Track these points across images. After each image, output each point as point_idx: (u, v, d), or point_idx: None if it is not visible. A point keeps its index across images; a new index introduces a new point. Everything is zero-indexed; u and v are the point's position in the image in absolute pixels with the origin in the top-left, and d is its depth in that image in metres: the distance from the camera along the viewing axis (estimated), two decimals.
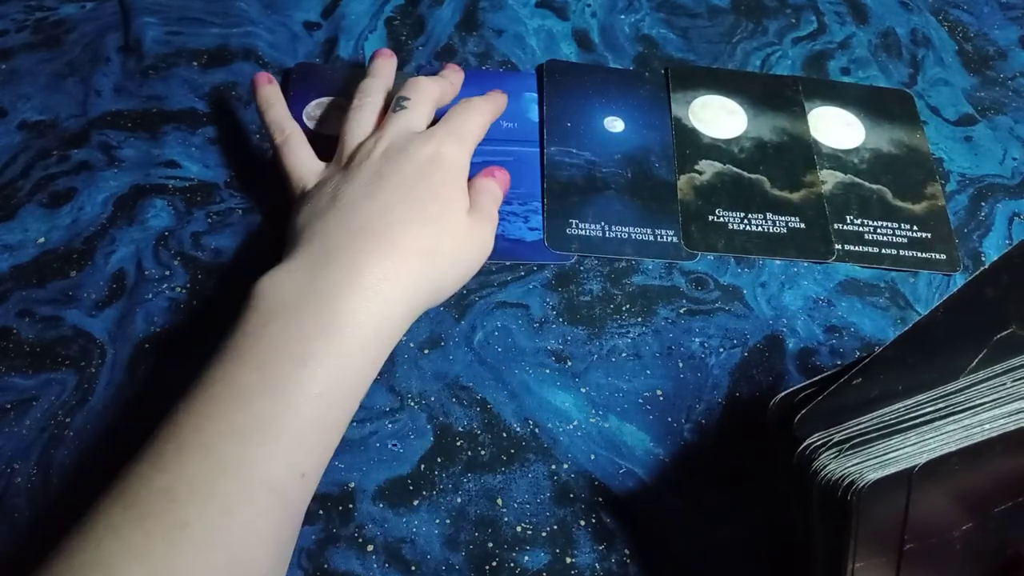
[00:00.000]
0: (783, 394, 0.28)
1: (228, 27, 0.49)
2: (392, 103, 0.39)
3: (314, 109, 0.45)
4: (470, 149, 0.38)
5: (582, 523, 0.34)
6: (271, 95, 0.41)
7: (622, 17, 0.53)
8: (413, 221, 0.34)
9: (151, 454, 0.28)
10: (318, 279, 0.31)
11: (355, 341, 0.31)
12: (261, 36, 0.48)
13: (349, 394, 0.31)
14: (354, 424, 0.36)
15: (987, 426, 0.26)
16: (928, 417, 0.26)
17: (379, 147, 0.36)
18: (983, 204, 0.47)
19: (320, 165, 0.38)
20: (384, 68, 0.42)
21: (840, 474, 0.25)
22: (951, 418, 0.26)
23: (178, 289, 0.39)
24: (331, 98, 0.46)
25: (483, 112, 0.40)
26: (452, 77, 0.43)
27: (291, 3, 0.50)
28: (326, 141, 0.44)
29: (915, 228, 0.45)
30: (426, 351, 0.38)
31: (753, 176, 0.46)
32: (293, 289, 0.31)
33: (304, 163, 0.38)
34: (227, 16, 0.49)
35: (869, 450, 0.26)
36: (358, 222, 0.33)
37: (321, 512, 0.33)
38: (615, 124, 0.47)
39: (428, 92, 0.40)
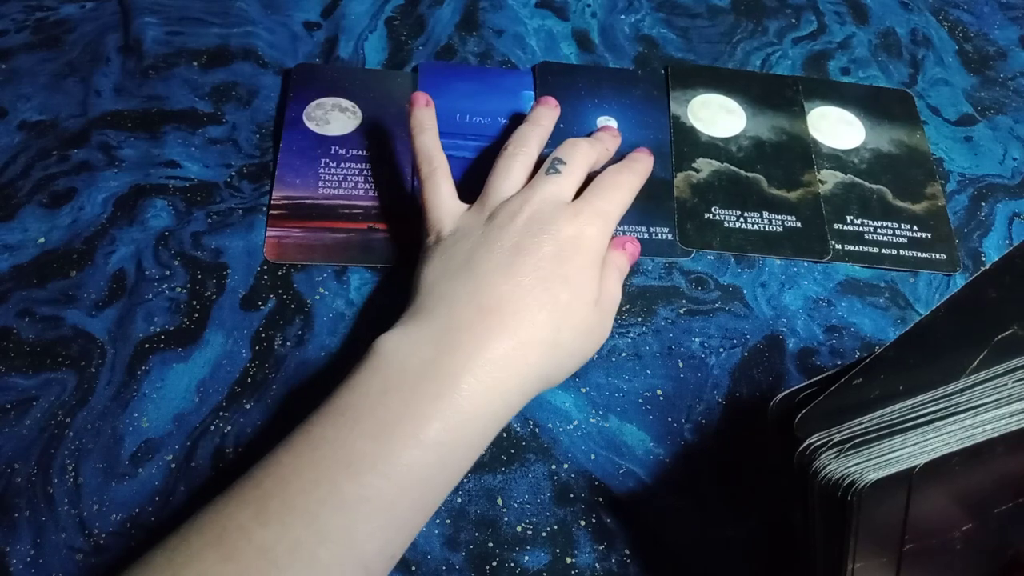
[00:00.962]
0: (783, 394, 0.28)
1: (228, 27, 0.49)
2: (547, 163, 0.38)
3: (314, 109, 0.45)
4: (611, 231, 0.37)
5: (582, 523, 0.34)
6: (425, 119, 0.40)
7: (622, 17, 0.53)
8: (542, 309, 0.32)
9: (253, 504, 0.27)
10: (443, 356, 0.30)
11: (468, 430, 0.30)
12: (261, 36, 0.48)
13: (448, 480, 0.30)
14: None
15: (988, 427, 0.26)
16: (929, 417, 0.26)
17: (524, 212, 0.35)
18: (983, 204, 0.47)
19: (460, 208, 0.37)
20: (545, 118, 0.41)
21: (841, 474, 0.25)
22: (952, 418, 0.26)
23: (178, 289, 0.39)
24: (331, 98, 0.46)
25: (632, 188, 0.39)
26: (609, 142, 0.42)
27: (291, 3, 0.50)
28: (326, 142, 0.44)
29: (915, 228, 0.45)
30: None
31: (751, 175, 0.46)
32: (417, 361, 0.30)
33: (445, 203, 0.37)
34: (227, 16, 0.49)
35: (870, 450, 0.26)
36: (488, 301, 0.32)
37: None
38: (608, 124, 0.47)
39: (585, 159, 0.39)
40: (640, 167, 0.40)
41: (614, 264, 0.37)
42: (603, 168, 0.40)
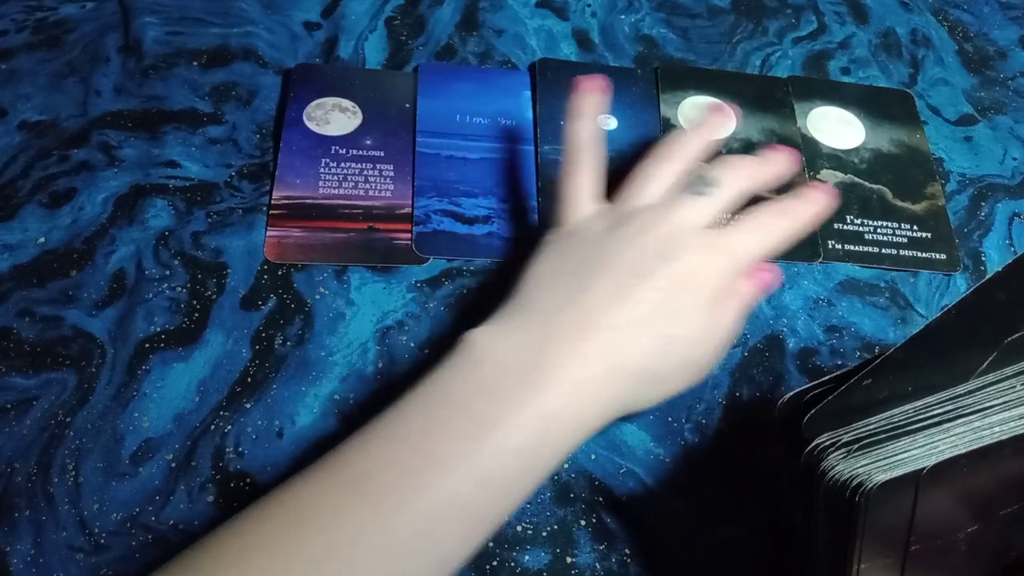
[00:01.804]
0: (791, 394, 0.28)
1: (228, 27, 0.49)
2: (693, 179, 0.34)
3: (314, 109, 0.45)
4: (739, 272, 0.33)
5: (582, 523, 0.34)
6: (587, 105, 0.37)
7: (622, 17, 0.53)
8: (646, 338, 0.30)
9: (347, 484, 0.27)
10: (537, 367, 0.29)
11: (551, 443, 0.29)
12: (261, 36, 0.48)
13: (524, 490, 0.29)
14: (355, 424, 0.36)
15: (996, 429, 0.26)
16: (937, 419, 0.26)
17: (652, 231, 0.32)
18: (983, 204, 0.47)
19: (593, 208, 0.35)
20: (713, 125, 0.38)
21: (848, 475, 0.25)
22: (960, 420, 0.26)
23: (178, 289, 0.39)
24: (331, 98, 0.46)
25: (784, 236, 0.34)
26: (779, 166, 0.36)
27: (291, 3, 0.50)
28: (326, 142, 0.44)
29: (915, 228, 0.45)
30: (426, 351, 0.38)
31: None
32: (511, 367, 0.29)
33: (581, 197, 0.35)
34: (227, 16, 0.49)
35: (878, 451, 0.26)
36: (591, 320, 0.30)
37: None
38: (608, 122, 0.47)
39: (738, 186, 0.34)
40: (806, 212, 0.35)
41: (739, 293, 0.33)
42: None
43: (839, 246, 0.43)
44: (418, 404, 0.29)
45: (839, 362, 0.39)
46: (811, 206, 0.35)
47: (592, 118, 0.37)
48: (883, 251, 0.44)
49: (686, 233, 0.32)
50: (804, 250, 0.43)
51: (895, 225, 0.45)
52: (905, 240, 0.44)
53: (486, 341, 0.30)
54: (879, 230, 0.44)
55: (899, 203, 0.46)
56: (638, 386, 0.31)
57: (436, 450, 0.27)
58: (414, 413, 0.29)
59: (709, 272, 0.32)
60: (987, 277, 0.25)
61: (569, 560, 0.33)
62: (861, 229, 0.44)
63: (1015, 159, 0.49)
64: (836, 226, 0.44)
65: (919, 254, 0.44)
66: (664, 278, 0.31)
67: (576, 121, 0.37)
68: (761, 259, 0.33)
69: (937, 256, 0.44)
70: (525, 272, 0.33)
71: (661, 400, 0.32)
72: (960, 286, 0.43)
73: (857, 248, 0.44)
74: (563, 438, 0.29)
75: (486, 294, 0.40)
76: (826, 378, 0.28)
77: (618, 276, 0.31)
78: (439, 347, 0.38)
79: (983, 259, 0.44)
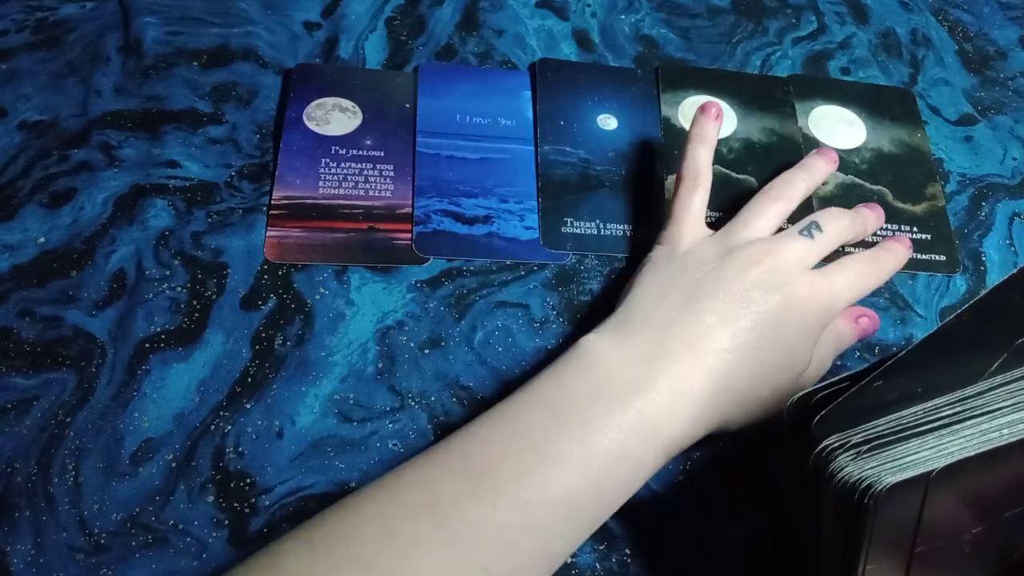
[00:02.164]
0: (800, 394, 0.28)
1: (228, 27, 0.49)
2: (804, 222, 0.37)
3: (314, 109, 0.45)
4: (837, 314, 0.36)
5: None
6: (710, 132, 0.40)
7: (622, 17, 0.53)
8: (750, 363, 0.32)
9: (463, 477, 0.28)
10: (648, 380, 0.31)
11: (651, 453, 0.30)
12: (261, 36, 0.48)
13: (624, 494, 0.31)
14: (355, 424, 0.36)
15: (1005, 431, 0.26)
16: (947, 421, 0.26)
17: (764, 263, 0.34)
18: (983, 204, 0.47)
19: (702, 232, 0.37)
20: (819, 170, 0.41)
21: (857, 477, 0.25)
22: (969, 422, 0.26)
23: (178, 289, 0.39)
24: (331, 98, 0.46)
25: (873, 284, 0.37)
26: (871, 223, 0.40)
27: (291, 3, 0.50)
28: (327, 142, 0.44)
29: (915, 229, 0.45)
30: (426, 351, 0.38)
31: (741, 177, 0.46)
32: (624, 376, 0.31)
33: (693, 221, 0.37)
34: (227, 16, 0.49)
35: (887, 453, 0.26)
36: (701, 340, 0.32)
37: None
38: (608, 122, 0.47)
39: (842, 234, 0.38)
40: (891, 264, 0.38)
41: (836, 333, 0.37)
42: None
43: (839, 248, 0.43)
44: (535, 402, 0.31)
45: (839, 362, 0.39)
46: (896, 257, 0.38)
47: (713, 144, 0.40)
48: None
49: (793, 270, 0.35)
50: None
51: (895, 227, 0.45)
52: None
53: (601, 349, 0.32)
54: (880, 232, 0.44)
55: (899, 204, 0.46)
56: (733, 408, 0.32)
57: (552, 450, 0.29)
58: (530, 410, 0.30)
59: (813, 306, 0.34)
60: (1005, 278, 0.25)
61: (569, 560, 0.33)
62: None
63: (1015, 159, 0.49)
64: None
65: (919, 256, 0.44)
66: (772, 307, 0.33)
67: (698, 146, 0.39)
68: (851, 303, 0.36)
69: (937, 258, 0.44)
70: (638, 284, 0.35)
71: (749, 423, 0.34)
72: (960, 287, 0.43)
73: (858, 250, 0.43)
74: (661, 448, 0.31)
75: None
76: (836, 379, 0.28)
77: (727, 301, 0.33)
78: (440, 346, 0.38)
79: (983, 259, 0.44)
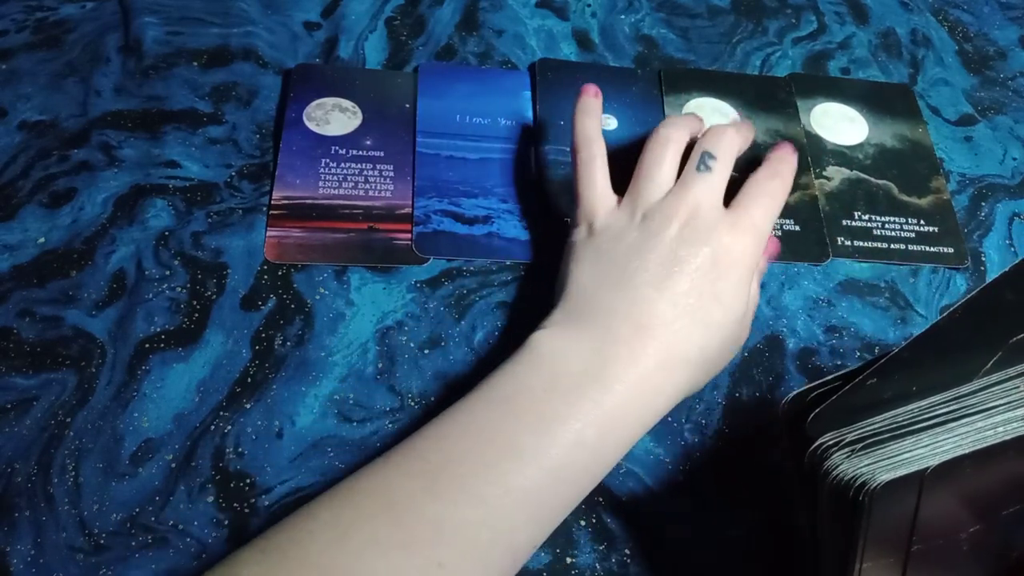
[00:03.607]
0: (795, 392, 0.28)
1: (228, 27, 0.49)
2: (696, 156, 0.36)
3: (314, 109, 0.45)
4: (764, 243, 0.35)
5: (582, 523, 0.34)
6: (592, 105, 0.39)
7: (622, 17, 0.53)
8: (695, 327, 0.32)
9: (421, 477, 0.28)
10: (601, 366, 0.31)
11: (619, 435, 0.31)
12: (261, 36, 0.48)
13: (592, 480, 0.31)
14: (354, 424, 0.36)
15: (1000, 429, 0.26)
16: (941, 419, 0.26)
17: (679, 217, 0.34)
18: (983, 204, 0.47)
19: (612, 200, 0.36)
20: (706, 125, 0.39)
21: (852, 475, 0.25)
22: (964, 420, 0.26)
23: (178, 289, 0.39)
24: (331, 98, 0.46)
25: (783, 197, 0.37)
26: (747, 132, 0.40)
27: (291, 3, 0.50)
28: (326, 142, 0.44)
29: (922, 222, 0.45)
30: (426, 351, 0.38)
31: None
32: (577, 367, 0.31)
33: (598, 194, 0.37)
34: (227, 16, 0.49)
35: (882, 451, 0.26)
36: (644, 318, 0.32)
37: None
38: (608, 122, 0.47)
39: (733, 151, 0.37)
40: (788, 172, 0.37)
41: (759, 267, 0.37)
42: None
43: (848, 242, 0.43)
44: (490, 399, 0.31)
45: (839, 362, 0.39)
46: (790, 164, 0.38)
47: (598, 116, 0.39)
48: (892, 246, 0.44)
49: (710, 216, 0.34)
50: (813, 252, 0.43)
51: (902, 220, 0.45)
52: (913, 235, 0.44)
53: (552, 344, 0.32)
54: (887, 225, 0.44)
55: (905, 198, 0.46)
56: (692, 372, 0.33)
57: (510, 443, 0.29)
58: (486, 407, 0.30)
59: (741, 250, 0.34)
60: (996, 276, 0.25)
61: (569, 560, 0.33)
62: (869, 225, 0.44)
63: (1015, 159, 0.49)
64: (844, 222, 0.44)
65: (927, 248, 0.44)
66: (703, 261, 0.33)
67: (585, 118, 0.38)
68: (772, 225, 0.36)
69: (945, 250, 0.44)
70: (568, 275, 0.35)
71: (712, 377, 0.35)
72: (960, 285, 0.43)
73: (866, 244, 0.44)
74: (626, 432, 0.31)
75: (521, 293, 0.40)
76: (830, 377, 0.28)
77: (660, 269, 0.33)
78: (440, 346, 0.38)
79: (983, 259, 0.44)
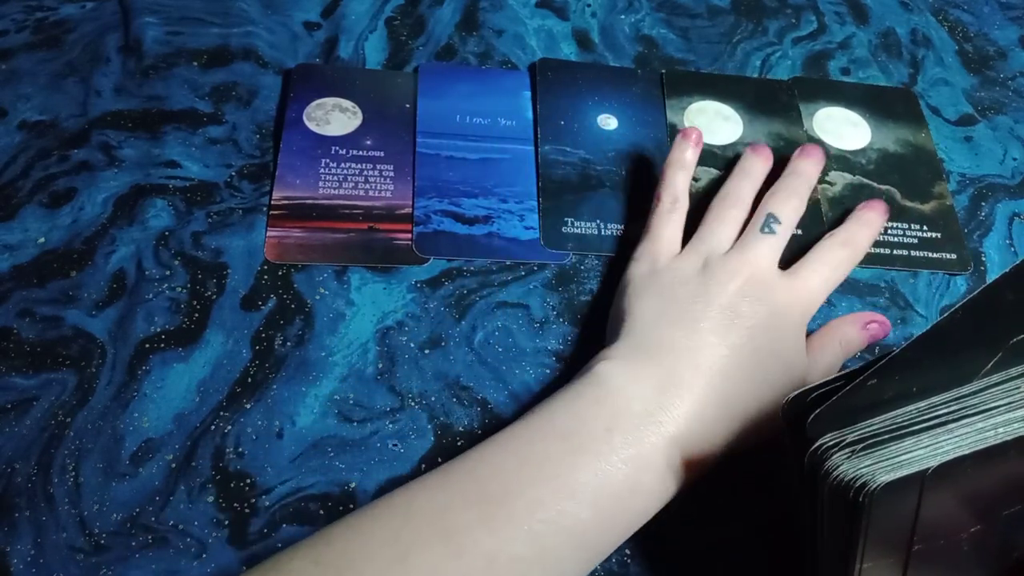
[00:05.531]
0: (796, 393, 0.28)
1: (228, 27, 0.49)
2: (761, 217, 0.38)
3: (314, 109, 0.45)
4: (815, 309, 0.37)
5: None
6: (689, 158, 0.41)
7: (622, 17, 0.53)
8: (751, 382, 0.33)
9: (478, 507, 0.28)
10: (663, 408, 0.31)
11: (667, 480, 0.31)
12: (261, 36, 0.48)
13: (638, 522, 0.31)
14: (354, 424, 0.36)
15: (1000, 430, 0.26)
16: (942, 419, 0.26)
17: (742, 274, 0.35)
18: (983, 204, 0.47)
19: (678, 248, 0.38)
20: (757, 169, 0.42)
21: (852, 475, 0.25)
22: (964, 421, 0.26)
23: (178, 289, 0.39)
24: (331, 98, 0.46)
25: (847, 269, 0.38)
26: (812, 169, 0.41)
27: (291, 3, 0.50)
28: (327, 142, 0.44)
29: (925, 228, 0.45)
30: (427, 351, 0.38)
31: None
32: (640, 407, 0.31)
33: (670, 238, 0.39)
34: (227, 16, 0.49)
35: (882, 451, 0.26)
36: (706, 362, 0.33)
37: (322, 512, 0.33)
38: (608, 122, 0.47)
39: (797, 214, 0.39)
40: (865, 240, 0.39)
41: (843, 339, 0.37)
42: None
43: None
44: (550, 431, 0.31)
45: None
46: (870, 229, 0.40)
47: (691, 170, 0.41)
48: (894, 252, 0.44)
49: (770, 278, 0.36)
50: None
51: (905, 226, 0.45)
52: (916, 240, 0.44)
53: (617, 378, 0.32)
54: (890, 231, 0.44)
55: (908, 203, 0.46)
56: (742, 425, 0.33)
57: (567, 483, 0.29)
58: (545, 440, 0.30)
59: (801, 307, 0.36)
60: (997, 276, 0.25)
61: None
62: None
63: (1015, 159, 0.49)
64: None
65: (930, 254, 0.44)
66: (762, 318, 0.34)
67: (678, 172, 0.40)
68: (828, 293, 0.38)
69: (948, 256, 0.44)
70: (630, 308, 0.35)
71: (759, 438, 0.34)
72: (960, 287, 0.43)
73: (870, 250, 0.43)
74: (674, 478, 0.31)
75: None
76: (831, 377, 0.28)
77: (722, 319, 0.34)
78: (440, 346, 0.38)
79: (983, 259, 0.44)
